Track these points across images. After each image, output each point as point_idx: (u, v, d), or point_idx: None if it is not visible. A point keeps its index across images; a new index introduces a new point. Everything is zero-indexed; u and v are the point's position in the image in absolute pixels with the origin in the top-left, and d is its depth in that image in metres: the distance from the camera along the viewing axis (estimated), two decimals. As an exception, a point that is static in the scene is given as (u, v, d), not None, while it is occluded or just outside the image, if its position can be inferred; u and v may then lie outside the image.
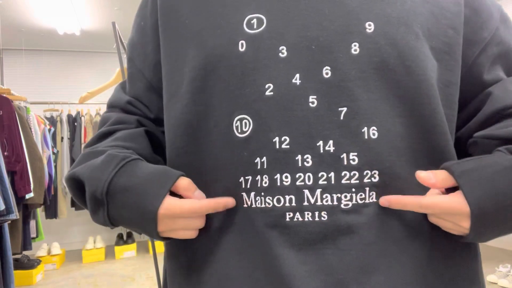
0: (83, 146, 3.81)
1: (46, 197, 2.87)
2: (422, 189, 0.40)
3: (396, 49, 0.39)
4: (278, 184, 0.39)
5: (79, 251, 4.20)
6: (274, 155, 0.39)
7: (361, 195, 0.38)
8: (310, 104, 0.38)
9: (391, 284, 0.38)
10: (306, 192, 0.38)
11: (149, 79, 0.51)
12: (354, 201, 0.38)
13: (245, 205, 0.41)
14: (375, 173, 0.38)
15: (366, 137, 0.38)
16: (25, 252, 3.18)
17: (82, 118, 3.87)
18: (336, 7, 0.39)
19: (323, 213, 0.38)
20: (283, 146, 0.39)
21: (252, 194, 0.40)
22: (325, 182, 0.38)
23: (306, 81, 0.39)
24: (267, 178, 0.39)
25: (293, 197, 0.38)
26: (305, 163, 0.38)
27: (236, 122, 0.40)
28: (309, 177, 0.38)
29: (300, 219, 0.38)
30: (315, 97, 0.38)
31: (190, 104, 0.43)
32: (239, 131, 0.40)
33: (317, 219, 0.38)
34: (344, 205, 0.38)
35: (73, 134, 3.84)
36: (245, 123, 0.40)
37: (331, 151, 0.38)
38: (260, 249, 0.40)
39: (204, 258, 0.44)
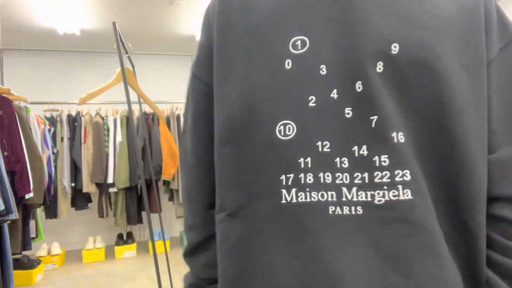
0: (83, 146, 3.81)
1: (46, 197, 2.87)
2: (450, 185, 0.44)
3: (416, 70, 0.43)
4: (322, 181, 0.45)
5: (79, 251, 4.20)
6: (318, 156, 0.45)
7: (393, 192, 0.43)
8: (346, 115, 0.45)
9: (429, 273, 0.42)
10: (344, 189, 0.44)
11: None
12: (387, 198, 0.43)
13: (284, 201, 0.45)
14: (406, 173, 0.43)
15: (395, 141, 0.43)
16: (25, 252, 3.18)
17: (82, 118, 3.87)
18: (367, 30, 0.45)
19: (359, 208, 0.43)
20: (325, 149, 0.45)
21: (294, 190, 0.45)
22: (360, 181, 0.44)
23: (343, 95, 0.45)
24: (312, 176, 0.45)
25: (334, 193, 0.44)
26: (342, 164, 0.44)
27: (279, 127, 0.46)
28: (346, 176, 0.44)
29: (340, 212, 0.44)
30: (350, 108, 0.45)
31: (236, 112, 0.49)
32: (282, 134, 0.46)
33: (353, 212, 0.43)
34: (378, 201, 0.43)
35: (73, 134, 3.83)
36: (289, 128, 0.46)
37: (365, 154, 0.44)
38: (302, 240, 0.45)
39: (247, 250, 0.49)
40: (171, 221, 4.74)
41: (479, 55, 0.45)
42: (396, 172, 0.43)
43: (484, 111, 0.45)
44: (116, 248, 4.05)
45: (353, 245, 0.43)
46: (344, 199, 0.44)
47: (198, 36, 4.19)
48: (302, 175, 0.45)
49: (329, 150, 0.45)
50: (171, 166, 3.88)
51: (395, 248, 0.42)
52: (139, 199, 4.00)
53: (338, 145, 0.44)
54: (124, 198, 3.92)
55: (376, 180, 0.43)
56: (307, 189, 0.45)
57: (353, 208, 0.43)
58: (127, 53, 2.06)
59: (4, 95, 2.48)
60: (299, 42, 0.47)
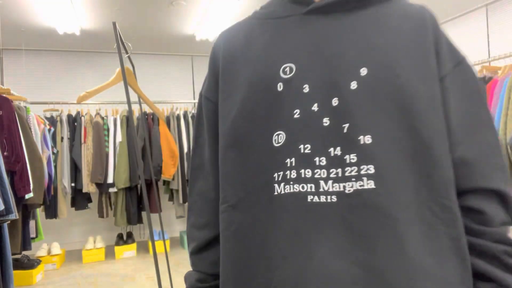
0: (83, 146, 3.81)
1: (45, 197, 2.87)
2: (426, 176, 0.53)
3: (382, 87, 0.55)
4: (303, 176, 0.55)
5: (79, 251, 4.20)
6: (300, 157, 0.56)
7: (360, 183, 0.52)
8: (324, 124, 0.56)
9: (390, 252, 0.50)
10: (322, 182, 0.54)
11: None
12: (355, 187, 0.52)
13: (275, 193, 0.57)
14: (370, 167, 0.52)
15: (362, 142, 0.53)
16: (25, 252, 3.18)
17: (82, 118, 3.88)
18: (341, 58, 0.57)
19: (333, 197, 0.53)
20: (306, 151, 0.56)
21: (282, 184, 0.56)
22: (335, 176, 0.54)
23: (322, 108, 0.56)
24: (295, 172, 0.56)
25: (313, 185, 0.55)
26: (321, 163, 0.55)
27: (275, 137, 0.58)
28: (323, 172, 0.54)
29: (318, 200, 0.54)
30: (327, 118, 0.55)
31: (239, 123, 0.61)
32: (276, 142, 0.58)
33: (329, 200, 0.53)
34: (348, 190, 0.53)
35: (73, 134, 3.84)
36: (281, 137, 0.58)
37: (338, 154, 0.54)
38: (286, 223, 0.55)
39: (246, 234, 0.60)
40: (171, 221, 4.74)
41: (432, 70, 0.57)
42: (361, 167, 0.53)
43: (441, 113, 0.56)
44: (116, 248, 4.05)
45: (327, 227, 0.53)
46: (321, 189, 0.54)
47: (198, 36, 4.19)
48: (288, 172, 0.56)
49: (310, 151, 0.56)
50: (171, 166, 3.88)
51: (362, 229, 0.52)
52: (139, 199, 4.00)
53: (318, 147, 0.55)
54: (124, 198, 3.92)
55: (346, 174, 0.53)
56: (291, 183, 0.56)
57: (328, 197, 0.53)
58: (127, 53, 2.06)
59: (4, 95, 2.48)
60: (287, 69, 0.59)
